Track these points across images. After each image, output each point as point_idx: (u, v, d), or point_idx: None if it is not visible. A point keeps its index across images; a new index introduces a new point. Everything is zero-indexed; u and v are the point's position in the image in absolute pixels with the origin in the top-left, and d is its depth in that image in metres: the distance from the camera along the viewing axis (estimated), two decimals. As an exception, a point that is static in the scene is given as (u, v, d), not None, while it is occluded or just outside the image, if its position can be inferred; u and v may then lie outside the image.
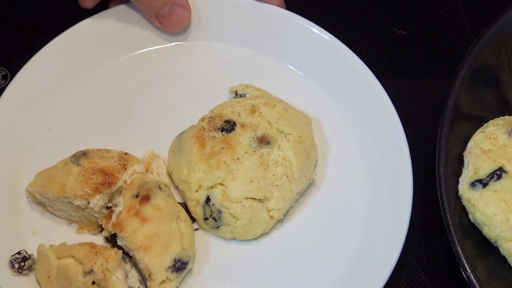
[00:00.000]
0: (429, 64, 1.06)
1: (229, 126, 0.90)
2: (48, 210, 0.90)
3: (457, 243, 0.83)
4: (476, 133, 0.92)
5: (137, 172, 0.89)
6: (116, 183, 0.87)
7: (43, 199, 0.88)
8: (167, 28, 0.98)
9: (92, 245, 0.84)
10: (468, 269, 0.82)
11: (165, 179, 0.91)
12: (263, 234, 0.89)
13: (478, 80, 0.93)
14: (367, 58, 0.97)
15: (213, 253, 0.89)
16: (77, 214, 0.88)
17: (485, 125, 0.92)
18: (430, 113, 1.02)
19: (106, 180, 0.87)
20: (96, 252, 0.83)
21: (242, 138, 0.89)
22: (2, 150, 0.91)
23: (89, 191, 0.85)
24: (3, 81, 1.02)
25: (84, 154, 0.89)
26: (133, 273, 0.84)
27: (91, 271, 0.82)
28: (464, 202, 0.88)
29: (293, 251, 0.89)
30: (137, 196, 0.86)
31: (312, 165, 0.92)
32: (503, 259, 0.87)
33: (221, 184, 0.87)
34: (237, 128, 0.90)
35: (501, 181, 0.86)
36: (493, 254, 0.87)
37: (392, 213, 0.88)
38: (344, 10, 1.10)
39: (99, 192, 0.86)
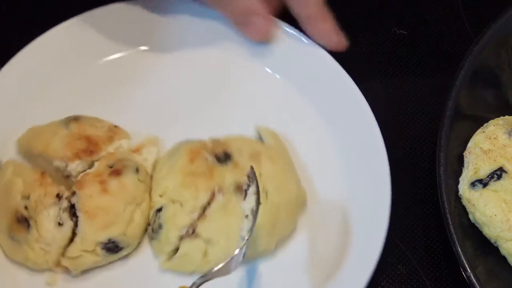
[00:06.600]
0: (429, 64, 1.06)
1: (223, 158, 0.88)
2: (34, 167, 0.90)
3: (457, 243, 0.83)
4: (476, 133, 0.92)
5: (122, 147, 0.90)
6: (98, 153, 0.88)
7: (28, 154, 0.90)
8: (248, 37, 0.96)
9: (44, 176, 0.86)
10: (468, 269, 0.82)
11: (148, 168, 0.90)
12: None
13: (478, 80, 0.93)
14: (367, 58, 0.97)
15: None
16: (57, 175, 0.88)
17: (485, 125, 0.92)
18: (430, 113, 1.02)
19: (89, 148, 0.87)
20: (41, 183, 0.85)
21: (227, 175, 0.86)
22: None
23: (69, 155, 0.87)
24: (3, 81, 1.02)
25: (75, 119, 0.91)
26: (65, 218, 0.84)
27: (29, 197, 0.84)
28: (464, 202, 0.88)
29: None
30: (111, 167, 0.87)
31: (278, 237, 0.87)
32: (503, 259, 0.87)
33: (181, 204, 0.85)
34: (229, 164, 0.87)
35: (501, 181, 0.86)
36: (493, 254, 0.87)
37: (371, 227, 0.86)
38: (344, 10, 1.10)
39: (78, 158, 0.87)
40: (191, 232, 0.84)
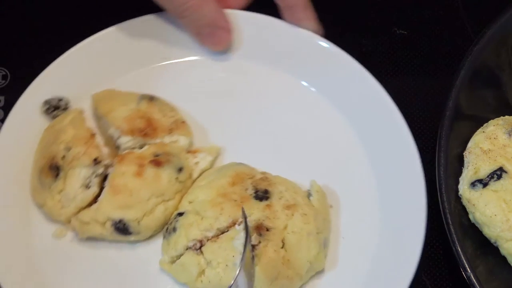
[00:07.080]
0: (429, 64, 1.06)
1: (261, 195, 0.86)
2: (97, 127, 0.92)
3: (457, 243, 0.83)
4: (476, 133, 0.92)
5: (177, 143, 0.90)
6: (152, 138, 0.89)
7: (95, 111, 0.92)
8: (207, 47, 0.98)
9: (92, 137, 0.88)
10: (468, 269, 0.82)
11: (195, 172, 0.90)
12: None
13: (478, 80, 0.93)
14: (367, 58, 0.97)
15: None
16: (111, 141, 0.90)
17: (485, 125, 0.92)
18: (430, 113, 1.02)
19: (145, 130, 0.89)
20: (86, 142, 0.87)
21: (255, 212, 0.84)
22: None
23: (124, 128, 0.88)
24: (3, 81, 1.02)
25: (150, 98, 0.92)
26: (94, 183, 0.86)
27: (70, 149, 0.86)
28: (464, 202, 0.88)
29: None
30: (156, 156, 0.87)
31: None
32: (503, 259, 0.87)
33: (201, 218, 0.85)
34: (263, 203, 0.86)
35: (501, 181, 0.86)
36: (493, 254, 0.87)
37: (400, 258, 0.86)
38: (344, 10, 1.10)
39: (132, 134, 0.88)
40: (198, 247, 0.84)
